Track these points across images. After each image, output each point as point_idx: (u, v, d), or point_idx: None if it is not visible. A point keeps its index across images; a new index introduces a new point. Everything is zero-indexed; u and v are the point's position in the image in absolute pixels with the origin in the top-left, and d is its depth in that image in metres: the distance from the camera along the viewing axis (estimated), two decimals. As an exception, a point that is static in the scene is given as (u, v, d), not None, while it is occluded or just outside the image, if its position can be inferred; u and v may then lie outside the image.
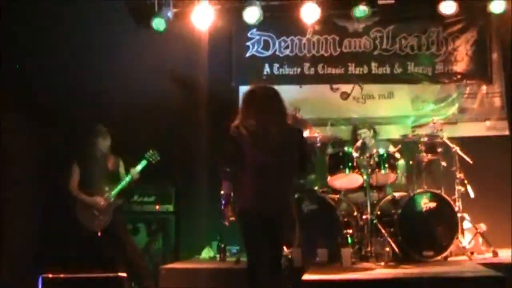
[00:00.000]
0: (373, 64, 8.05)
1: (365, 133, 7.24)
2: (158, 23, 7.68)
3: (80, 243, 6.45)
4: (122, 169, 6.67)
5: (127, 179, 6.55)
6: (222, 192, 4.86)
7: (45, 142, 7.50)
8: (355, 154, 6.65)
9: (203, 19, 7.73)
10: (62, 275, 4.81)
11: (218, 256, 7.00)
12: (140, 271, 6.30)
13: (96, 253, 6.27)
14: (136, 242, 6.79)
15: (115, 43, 7.68)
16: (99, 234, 6.39)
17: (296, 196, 6.60)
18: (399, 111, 8.03)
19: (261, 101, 4.87)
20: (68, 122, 7.45)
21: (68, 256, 6.31)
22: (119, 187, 6.51)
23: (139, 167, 6.54)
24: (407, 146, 7.00)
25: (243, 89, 7.99)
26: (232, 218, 4.91)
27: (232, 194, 4.86)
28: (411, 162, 6.92)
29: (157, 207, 7.32)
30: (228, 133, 4.78)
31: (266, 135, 4.75)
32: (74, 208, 6.52)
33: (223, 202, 4.84)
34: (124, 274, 4.83)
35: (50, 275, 4.90)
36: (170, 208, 7.38)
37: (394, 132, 7.79)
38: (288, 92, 7.81)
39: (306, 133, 6.89)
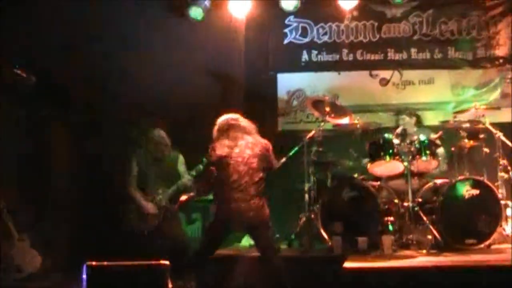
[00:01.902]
0: (413, 50, 7.96)
1: (405, 119, 7.16)
2: (196, 12, 7.71)
3: (126, 240, 6.45)
4: (181, 167, 6.53)
5: (179, 185, 6.42)
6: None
7: (95, 138, 7.59)
8: (395, 141, 6.59)
9: (240, 7, 7.72)
10: (105, 263, 4.82)
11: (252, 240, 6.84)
12: (185, 262, 6.08)
13: (141, 250, 6.20)
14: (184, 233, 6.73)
15: (153, 34, 7.68)
16: (145, 233, 6.35)
17: (336, 183, 6.79)
18: (439, 97, 7.93)
19: (228, 128, 5.39)
20: (110, 118, 7.55)
21: (112, 250, 6.31)
22: (171, 192, 6.42)
23: (193, 173, 6.35)
24: (448, 132, 6.89)
25: (282, 77, 8.24)
26: None
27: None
28: (452, 149, 6.80)
29: (189, 195, 7.16)
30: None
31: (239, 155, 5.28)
32: (125, 206, 6.48)
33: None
34: (167, 262, 4.86)
35: (94, 263, 4.94)
36: (210, 196, 7.11)
37: (434, 118, 7.70)
38: (326, 79, 8.20)
39: (345, 120, 6.93)
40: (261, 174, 5.32)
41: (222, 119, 5.49)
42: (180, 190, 6.47)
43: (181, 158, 6.54)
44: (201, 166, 6.19)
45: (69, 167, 7.87)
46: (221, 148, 5.34)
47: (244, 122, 5.47)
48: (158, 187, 6.43)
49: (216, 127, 5.48)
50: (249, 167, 5.27)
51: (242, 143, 5.32)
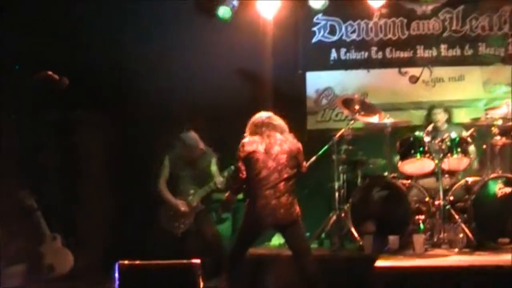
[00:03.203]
0: (443, 46, 7.88)
1: (440, 113, 7.11)
2: (224, 12, 7.72)
3: (159, 241, 6.52)
4: (213, 167, 6.55)
5: (211, 186, 6.44)
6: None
7: (128, 139, 7.72)
8: (426, 139, 6.52)
9: (268, 6, 7.70)
10: (137, 262, 4.83)
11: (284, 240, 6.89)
12: (219, 261, 6.19)
13: (175, 250, 6.32)
14: (217, 233, 6.74)
15: (182, 34, 7.76)
16: (179, 235, 6.39)
17: (366, 182, 6.75)
18: (470, 94, 7.84)
19: (260, 125, 5.42)
20: (143, 118, 7.62)
21: (146, 250, 6.45)
22: (202, 192, 6.44)
23: (225, 173, 6.39)
24: (480, 130, 6.80)
25: (311, 76, 8.22)
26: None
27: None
28: (484, 146, 6.70)
29: (227, 194, 7.25)
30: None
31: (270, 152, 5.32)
32: (158, 207, 6.52)
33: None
34: (198, 261, 4.82)
35: (126, 262, 4.95)
36: (240, 195, 7.30)
37: (465, 116, 7.60)
38: (355, 77, 8.07)
39: (375, 118, 6.88)
40: (290, 171, 5.31)
41: (256, 116, 5.50)
42: (212, 190, 6.49)
43: (213, 159, 6.55)
44: (232, 167, 6.17)
45: (102, 167, 7.99)
46: (250, 144, 5.34)
47: (276, 120, 5.47)
48: (190, 188, 6.45)
49: (248, 124, 5.49)
50: (278, 163, 5.27)
51: (271, 140, 5.33)
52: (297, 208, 5.35)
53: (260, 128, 5.39)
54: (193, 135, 6.50)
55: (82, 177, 7.93)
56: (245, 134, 5.48)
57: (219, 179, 6.41)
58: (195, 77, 7.73)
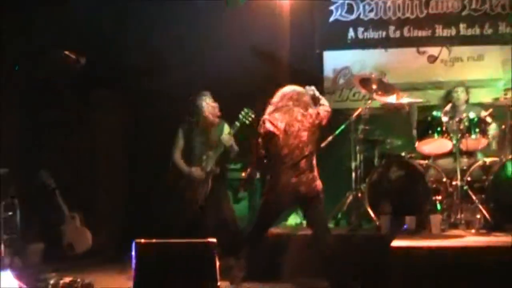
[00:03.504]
0: (462, 25, 7.77)
1: (462, 92, 7.03)
2: (237, -5, 7.66)
3: (179, 213, 6.52)
4: (225, 135, 6.44)
5: (221, 146, 6.38)
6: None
7: (145, 112, 7.79)
8: (444, 119, 6.47)
9: (286, -15, 7.65)
10: (154, 240, 4.90)
11: (305, 222, 6.81)
12: (235, 240, 6.16)
13: (194, 223, 6.34)
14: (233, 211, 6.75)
15: (198, 15, 7.75)
16: (198, 204, 6.38)
17: (383, 161, 6.74)
18: (489, 74, 7.73)
19: (289, 99, 5.35)
20: (160, 93, 7.65)
21: (165, 225, 6.52)
22: (214, 155, 6.38)
23: (231, 131, 6.33)
24: (498, 110, 6.72)
25: (328, 55, 8.16)
26: None
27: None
28: (503, 127, 6.63)
29: (243, 174, 7.23)
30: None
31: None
32: (176, 178, 6.50)
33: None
34: (214, 240, 4.90)
35: (143, 240, 5.02)
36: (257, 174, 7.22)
37: (483, 96, 7.48)
38: (373, 57, 8.01)
39: (393, 98, 6.84)
40: (312, 148, 5.30)
41: (283, 90, 5.44)
42: (224, 151, 6.42)
43: (226, 127, 6.48)
44: (237, 123, 6.23)
45: (120, 145, 8.08)
46: (271, 122, 5.31)
47: (302, 95, 5.41)
48: (203, 154, 6.41)
49: (275, 97, 5.43)
50: (300, 141, 5.24)
51: (292, 116, 5.28)
52: (319, 183, 5.33)
53: (284, 102, 5.33)
54: (211, 101, 6.45)
55: (101, 155, 8.03)
56: (269, 108, 5.39)
57: (225, 137, 6.33)
58: (212, 58, 7.75)
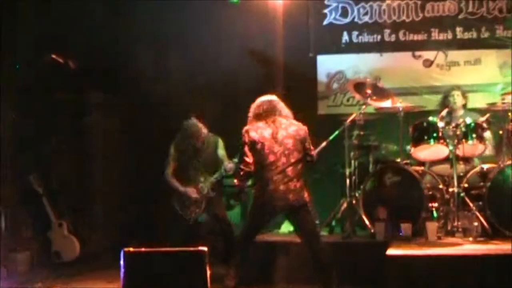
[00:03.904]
0: (458, 29, 7.73)
1: (458, 96, 6.95)
2: (233, -5, 7.63)
3: (171, 226, 6.50)
4: (221, 151, 6.44)
5: (221, 172, 6.35)
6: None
7: (139, 121, 7.77)
8: (440, 124, 6.42)
9: (279, -12, 7.61)
10: (143, 249, 4.77)
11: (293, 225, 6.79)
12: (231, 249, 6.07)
13: (188, 232, 6.34)
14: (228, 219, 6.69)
15: (191, 17, 7.70)
16: (190, 222, 6.37)
17: (378, 167, 6.70)
18: (486, 78, 7.69)
19: (264, 110, 5.39)
20: (155, 102, 7.62)
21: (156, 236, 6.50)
22: (212, 180, 6.36)
23: (235, 159, 6.25)
24: (496, 115, 6.65)
25: (322, 59, 8.11)
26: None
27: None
28: (500, 132, 6.56)
29: (236, 181, 7.15)
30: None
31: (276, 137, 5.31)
32: (171, 193, 6.47)
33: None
34: (205, 249, 4.74)
35: (132, 249, 4.89)
36: (248, 181, 7.16)
37: (480, 100, 7.32)
38: (368, 61, 7.97)
39: (388, 103, 6.81)
40: (298, 155, 5.28)
41: (258, 101, 5.47)
42: (222, 176, 6.41)
43: (220, 143, 6.46)
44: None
45: (114, 151, 8.04)
46: (254, 130, 5.32)
47: (279, 103, 5.43)
48: (200, 176, 6.38)
49: (251, 109, 5.45)
50: (285, 148, 5.24)
51: (276, 124, 5.31)
52: (307, 193, 5.33)
53: (263, 113, 5.36)
54: (194, 122, 6.40)
55: (94, 160, 7.97)
56: (248, 120, 5.42)
57: (228, 165, 6.31)
58: (205, 60, 7.71)
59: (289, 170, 5.23)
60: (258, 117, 5.39)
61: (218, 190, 6.52)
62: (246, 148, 5.33)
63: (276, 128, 5.30)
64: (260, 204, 5.34)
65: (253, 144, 5.30)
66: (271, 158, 5.24)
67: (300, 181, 5.28)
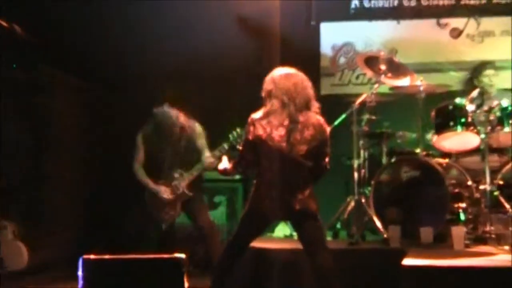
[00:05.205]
0: (495, -9, 7.71)
1: (491, 75, 6.96)
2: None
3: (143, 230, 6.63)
4: (201, 141, 6.41)
5: (199, 167, 6.32)
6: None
7: (108, 107, 7.87)
8: (469, 107, 6.41)
9: None
10: (107, 256, 4.84)
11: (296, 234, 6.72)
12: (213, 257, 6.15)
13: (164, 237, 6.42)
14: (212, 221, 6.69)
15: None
16: (164, 227, 6.39)
17: (393, 160, 6.74)
18: (527, 52, 7.66)
19: (285, 92, 5.11)
20: (126, 84, 7.78)
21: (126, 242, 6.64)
22: (189, 176, 6.33)
23: (216, 153, 6.23)
24: (538, 97, 6.65)
25: (326, 29, 8.18)
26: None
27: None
28: (543, 118, 6.54)
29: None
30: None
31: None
32: (142, 193, 6.50)
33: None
34: (182, 256, 4.84)
35: (93, 257, 4.94)
36: (237, 176, 7.29)
37: (519, 79, 7.40)
38: (382, 30, 8.05)
39: (405, 82, 6.82)
40: (308, 163, 5.16)
41: (276, 74, 5.20)
42: (201, 173, 6.41)
43: (200, 131, 6.41)
44: (225, 146, 6.15)
45: (76, 139, 8.13)
46: (263, 126, 5.13)
47: (307, 89, 5.19)
48: (175, 171, 6.35)
49: (264, 87, 5.19)
50: (296, 153, 5.10)
51: (290, 123, 5.11)
52: (315, 201, 5.22)
53: (278, 98, 5.11)
54: (167, 110, 6.37)
55: (51, 152, 7.98)
56: (261, 111, 5.18)
57: (208, 159, 6.27)
58: (189, 31, 7.76)
59: (299, 180, 5.14)
60: (273, 101, 5.11)
61: (197, 187, 6.47)
62: (247, 148, 5.20)
63: (289, 128, 5.09)
64: (256, 212, 5.22)
65: (256, 142, 5.13)
66: (278, 163, 5.10)
67: (308, 188, 5.18)
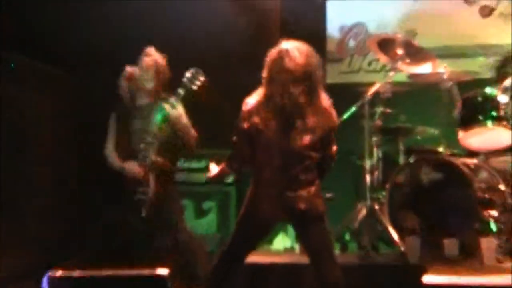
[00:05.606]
0: (533, -39, 7.51)
1: None
2: None
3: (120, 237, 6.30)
4: (168, 104, 6.11)
5: (156, 122, 5.99)
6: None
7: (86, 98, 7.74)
8: (502, 99, 6.20)
9: None
10: (76, 272, 4.90)
11: (297, 246, 6.70)
12: (194, 269, 5.95)
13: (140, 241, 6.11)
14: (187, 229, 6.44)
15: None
16: (143, 214, 6.03)
17: (411, 159, 6.61)
18: None
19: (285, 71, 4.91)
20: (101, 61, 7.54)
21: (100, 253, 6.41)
22: (153, 141, 6.00)
23: (172, 101, 5.93)
24: None
25: (333, 6, 8.13)
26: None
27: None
28: None
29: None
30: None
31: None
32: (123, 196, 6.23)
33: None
34: (165, 272, 4.87)
35: (60, 273, 4.99)
36: (230, 179, 7.15)
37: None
38: (398, 9, 7.93)
39: (426, 68, 6.69)
40: (315, 155, 4.92)
41: (279, 51, 4.97)
42: (172, 135, 6.08)
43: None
44: (181, 91, 5.87)
45: (44, 140, 7.84)
46: (258, 115, 4.91)
47: (317, 72, 4.95)
48: (141, 143, 6.07)
49: (265, 65, 4.97)
50: (301, 144, 4.89)
51: (293, 109, 4.89)
52: (321, 201, 5.00)
53: (279, 76, 4.88)
54: (136, 71, 6.18)
55: (17, 149, 7.63)
56: (258, 93, 4.96)
57: (168, 107, 6.02)
58: (176, 9, 7.65)
59: (301, 174, 4.90)
60: (275, 85, 4.89)
61: (173, 190, 6.22)
62: (241, 138, 4.98)
63: (290, 118, 4.88)
64: (254, 214, 5.01)
65: (251, 132, 4.92)
66: (278, 157, 4.88)
67: (314, 185, 4.95)
